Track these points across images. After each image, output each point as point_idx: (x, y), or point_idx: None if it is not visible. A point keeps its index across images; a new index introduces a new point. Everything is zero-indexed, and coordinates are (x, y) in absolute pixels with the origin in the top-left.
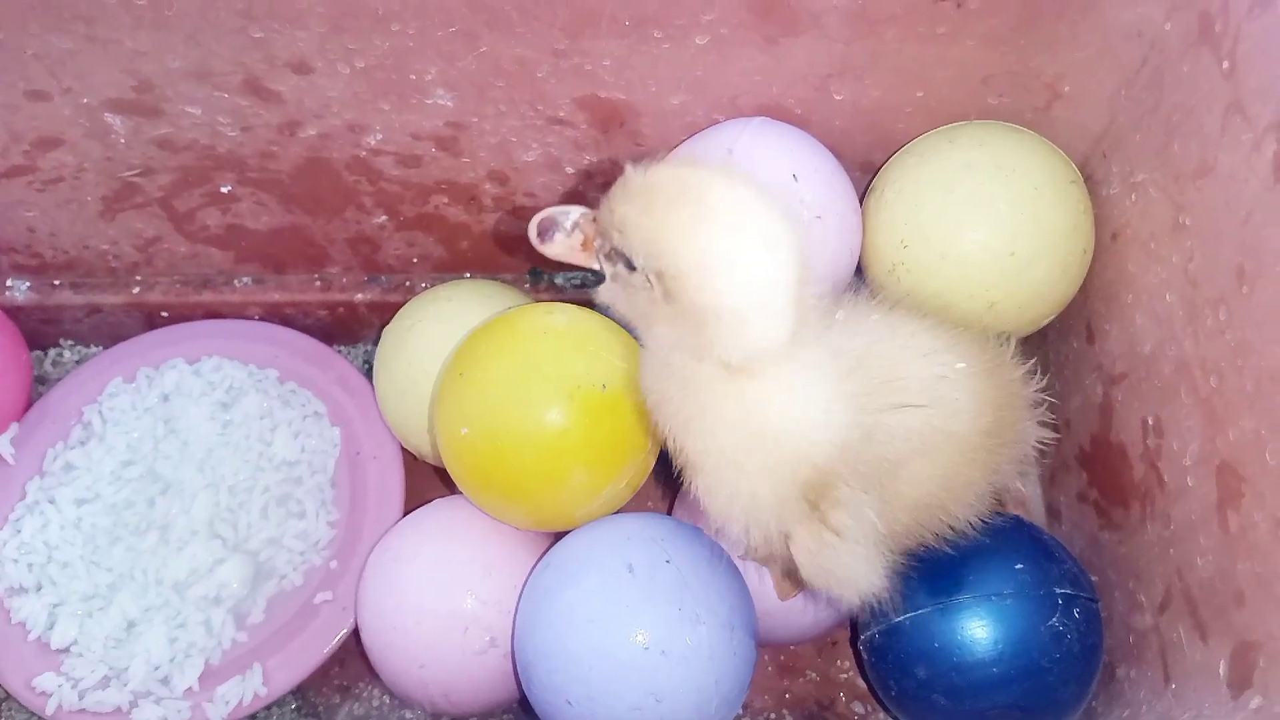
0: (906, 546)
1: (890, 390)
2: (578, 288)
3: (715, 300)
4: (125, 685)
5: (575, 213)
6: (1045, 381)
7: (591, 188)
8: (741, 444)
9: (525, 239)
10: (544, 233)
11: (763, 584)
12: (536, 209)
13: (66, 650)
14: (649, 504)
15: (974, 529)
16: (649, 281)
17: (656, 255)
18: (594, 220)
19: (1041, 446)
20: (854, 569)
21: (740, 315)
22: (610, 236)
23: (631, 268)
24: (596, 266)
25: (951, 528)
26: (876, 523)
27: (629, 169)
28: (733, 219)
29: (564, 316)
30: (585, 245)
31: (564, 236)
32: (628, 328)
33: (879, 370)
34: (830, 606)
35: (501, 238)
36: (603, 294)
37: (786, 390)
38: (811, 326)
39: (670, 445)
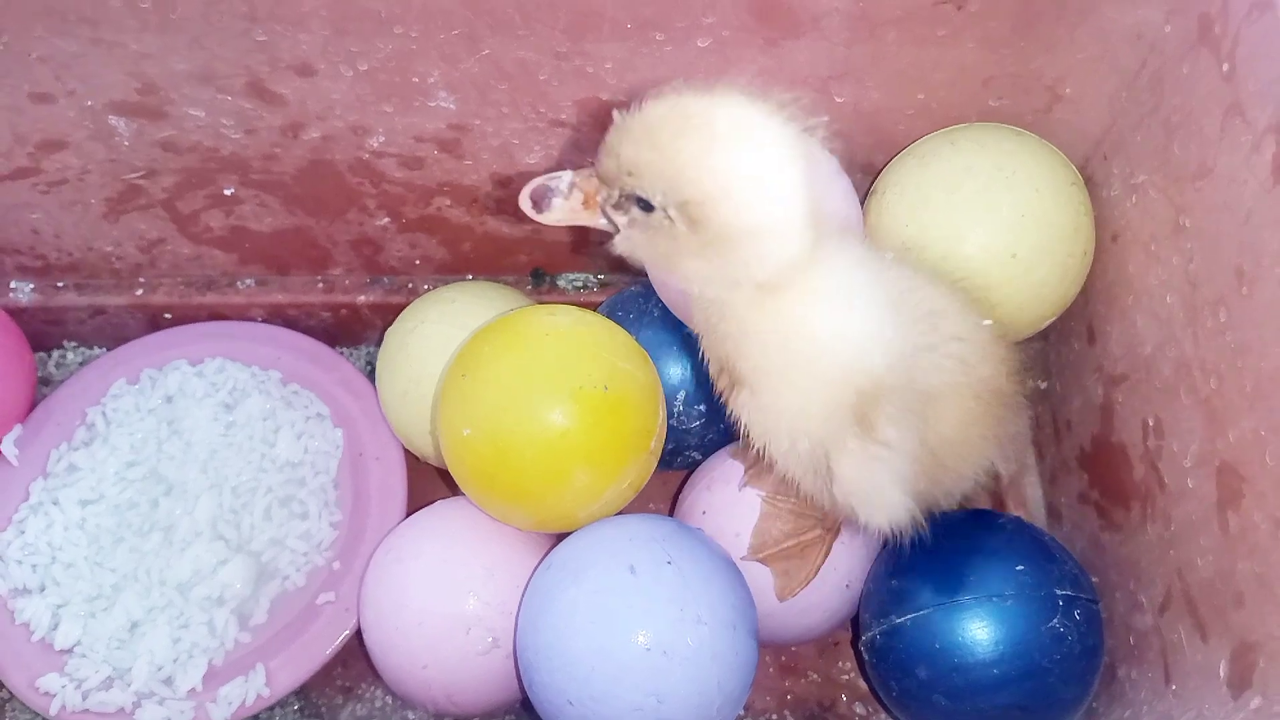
0: (921, 495)
1: (933, 324)
2: (580, 290)
3: (747, 218)
4: (129, 686)
5: (567, 175)
6: (1047, 383)
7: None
8: (791, 361)
9: (527, 241)
10: (539, 201)
11: (763, 588)
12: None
13: (70, 651)
14: (651, 505)
15: (979, 485)
16: (669, 218)
17: (677, 187)
18: (591, 176)
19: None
20: (890, 490)
21: (770, 228)
22: (619, 183)
23: (649, 208)
24: (600, 223)
25: (959, 484)
26: (919, 443)
27: (617, 114)
28: (743, 136)
29: (567, 318)
30: (587, 203)
31: (563, 201)
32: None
33: (922, 305)
34: (827, 608)
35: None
36: (620, 244)
37: (829, 302)
38: (836, 237)
39: (714, 370)
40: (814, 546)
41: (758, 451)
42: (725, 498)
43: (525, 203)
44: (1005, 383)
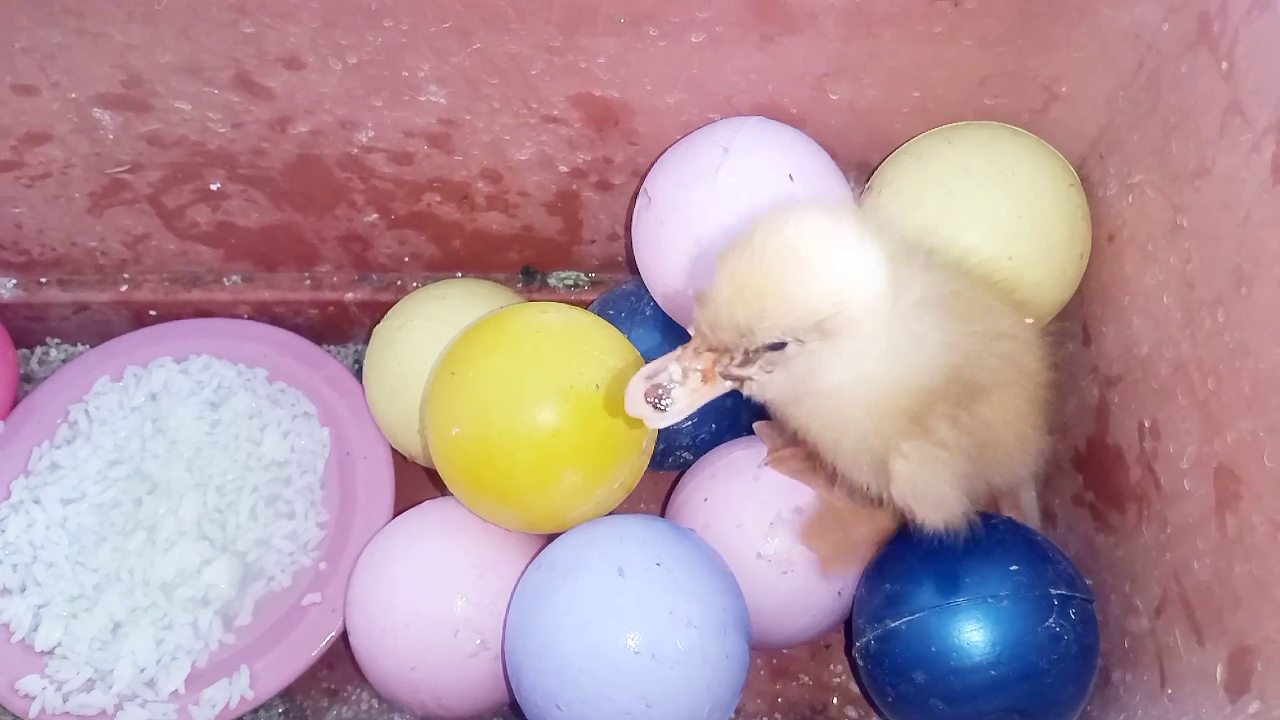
0: (974, 491)
1: (986, 319)
2: (571, 288)
3: (870, 302)
4: (110, 688)
5: (672, 364)
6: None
7: (585, 187)
8: (845, 393)
9: (518, 239)
10: (657, 401)
11: (758, 586)
12: (529, 208)
13: (51, 652)
14: (641, 506)
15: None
16: (800, 342)
17: (805, 317)
18: (696, 352)
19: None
20: (947, 489)
21: (881, 298)
22: (743, 344)
23: (780, 346)
24: (723, 390)
25: (1010, 477)
26: (972, 441)
27: (698, 295)
28: (829, 241)
29: (557, 316)
30: (706, 378)
31: (685, 392)
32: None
33: (973, 303)
34: (819, 611)
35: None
36: (758, 392)
37: (890, 329)
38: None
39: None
40: (862, 532)
41: (795, 438)
42: (729, 486)
43: (641, 409)
44: (1046, 375)
